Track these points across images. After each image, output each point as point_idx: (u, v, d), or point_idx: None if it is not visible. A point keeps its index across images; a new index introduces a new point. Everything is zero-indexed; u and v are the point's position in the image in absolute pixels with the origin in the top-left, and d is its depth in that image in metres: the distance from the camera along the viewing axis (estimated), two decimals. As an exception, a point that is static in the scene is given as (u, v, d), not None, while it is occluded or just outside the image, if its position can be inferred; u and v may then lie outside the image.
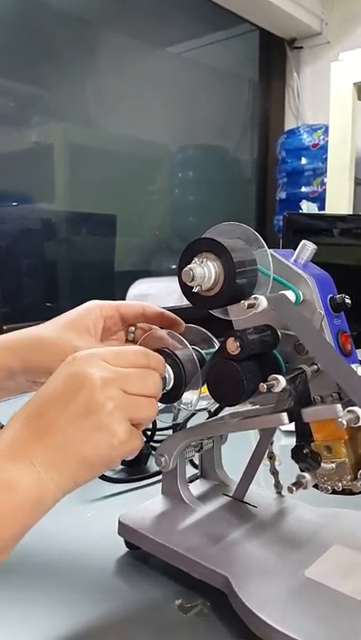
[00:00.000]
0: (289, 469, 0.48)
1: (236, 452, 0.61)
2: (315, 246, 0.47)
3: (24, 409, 0.38)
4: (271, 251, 0.46)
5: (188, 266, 0.43)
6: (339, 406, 0.41)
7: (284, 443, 0.79)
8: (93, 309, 0.51)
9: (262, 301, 0.42)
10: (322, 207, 1.91)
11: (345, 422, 0.38)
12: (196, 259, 0.44)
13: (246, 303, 0.42)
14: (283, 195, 2.13)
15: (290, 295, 0.44)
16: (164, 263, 2.09)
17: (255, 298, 0.42)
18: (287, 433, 0.81)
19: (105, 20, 1.96)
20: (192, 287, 0.43)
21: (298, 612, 0.41)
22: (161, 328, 0.53)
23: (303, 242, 0.48)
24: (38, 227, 1.80)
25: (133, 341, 0.54)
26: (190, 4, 2.08)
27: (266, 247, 0.45)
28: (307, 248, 0.47)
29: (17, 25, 1.67)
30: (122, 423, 0.38)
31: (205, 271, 0.42)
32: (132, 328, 0.54)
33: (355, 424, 0.38)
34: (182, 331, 0.53)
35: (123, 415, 0.38)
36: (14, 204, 1.72)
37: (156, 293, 1.84)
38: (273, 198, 2.29)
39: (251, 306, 0.42)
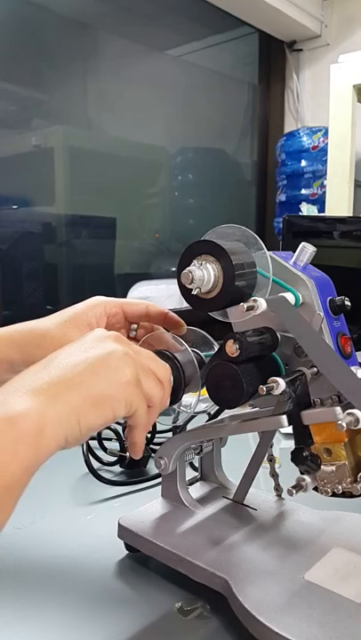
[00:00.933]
0: (289, 472, 0.47)
1: (235, 454, 0.61)
2: (314, 248, 0.47)
3: (40, 362, 0.38)
4: (270, 253, 0.46)
5: (188, 268, 0.43)
6: (338, 409, 0.41)
7: (284, 445, 0.78)
8: (97, 306, 0.51)
9: (261, 303, 0.42)
10: (322, 209, 1.91)
11: (345, 425, 0.38)
12: (195, 261, 0.44)
13: (245, 305, 0.42)
14: (282, 197, 2.13)
15: (289, 297, 0.44)
16: (163, 266, 2.09)
17: (254, 300, 0.42)
18: (287, 435, 0.81)
19: (105, 24, 1.97)
20: (191, 289, 0.43)
21: (297, 615, 0.41)
22: (164, 329, 0.53)
23: (303, 244, 0.48)
24: (38, 230, 1.80)
25: (135, 339, 0.53)
26: (190, 7, 2.09)
27: (265, 249, 0.45)
28: (306, 250, 0.47)
29: (17, 29, 1.67)
30: (130, 367, 0.39)
31: (204, 273, 0.43)
32: (135, 326, 0.54)
33: (354, 427, 0.38)
34: (184, 333, 0.53)
35: (132, 362, 0.39)
36: (14, 207, 1.73)
37: (156, 296, 1.84)
38: (273, 201, 2.29)
39: (250, 308, 0.42)
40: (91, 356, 0.38)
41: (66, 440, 0.34)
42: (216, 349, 0.47)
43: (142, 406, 0.39)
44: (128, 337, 0.54)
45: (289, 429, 0.45)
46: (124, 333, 0.54)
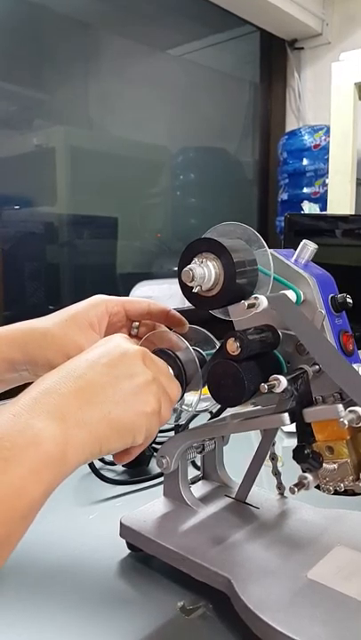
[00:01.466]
0: (291, 471, 0.47)
1: (238, 453, 0.61)
2: (315, 246, 0.47)
3: (61, 370, 0.37)
4: (271, 250, 0.46)
5: (188, 266, 0.43)
6: (340, 406, 0.40)
7: (286, 444, 0.78)
8: (99, 305, 0.50)
9: (263, 301, 0.42)
10: (324, 208, 1.90)
11: (346, 422, 0.38)
12: (195, 259, 0.43)
13: (247, 303, 0.41)
14: (284, 196, 2.12)
15: (290, 295, 0.44)
16: (165, 265, 2.09)
17: (256, 298, 0.42)
18: (289, 434, 0.81)
19: (106, 24, 1.97)
20: (192, 287, 0.43)
21: (300, 613, 0.40)
22: (165, 327, 0.53)
23: (304, 241, 0.47)
24: (40, 230, 1.80)
25: (137, 337, 0.53)
26: (191, 6, 2.09)
27: (266, 247, 0.45)
28: (307, 248, 0.47)
29: (18, 29, 1.67)
30: (155, 396, 0.39)
31: (205, 271, 0.42)
32: (136, 324, 0.54)
33: (356, 424, 0.38)
34: (186, 331, 0.53)
35: (157, 390, 0.40)
36: (16, 207, 1.73)
37: (158, 295, 1.84)
38: (275, 199, 2.29)
39: (251, 306, 0.41)
40: (119, 379, 0.38)
41: (85, 460, 0.35)
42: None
43: (156, 430, 0.40)
44: (129, 334, 0.54)
45: (292, 428, 0.44)
46: (125, 332, 0.53)
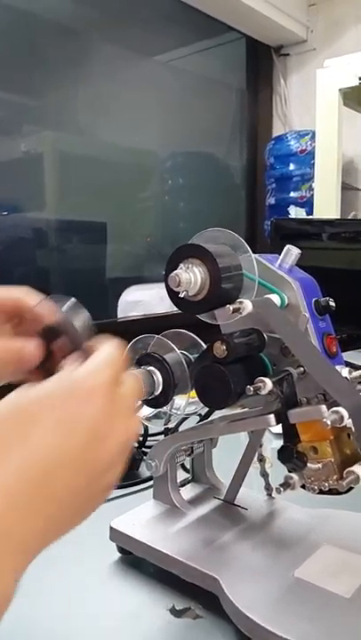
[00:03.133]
0: (280, 472, 0.48)
1: (227, 455, 0.61)
2: (299, 251, 0.48)
3: (20, 457, 0.27)
4: (256, 255, 0.47)
5: (175, 272, 0.43)
6: (324, 407, 0.41)
7: (275, 445, 0.79)
8: None
9: (247, 305, 0.42)
10: (310, 212, 1.92)
11: (329, 423, 0.39)
12: (182, 264, 0.44)
13: (232, 307, 0.42)
14: (272, 200, 2.14)
15: (275, 299, 0.45)
16: (155, 270, 2.09)
17: (240, 302, 0.43)
18: (278, 435, 0.81)
19: (94, 30, 1.98)
20: (179, 292, 0.44)
21: (288, 611, 0.41)
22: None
23: (287, 246, 0.48)
24: (29, 235, 1.80)
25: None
26: (178, 13, 2.10)
27: (250, 252, 0.46)
28: (291, 253, 0.48)
29: (7, 35, 1.68)
30: (123, 464, 0.33)
31: (191, 276, 0.43)
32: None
33: (339, 424, 0.39)
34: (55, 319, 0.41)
35: (124, 461, 0.33)
36: (5, 213, 1.73)
37: (148, 300, 1.85)
38: (263, 204, 2.31)
39: (236, 310, 0.42)
40: (93, 487, 0.31)
41: None
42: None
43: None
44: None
45: (280, 429, 0.45)
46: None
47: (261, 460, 0.57)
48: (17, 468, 0.27)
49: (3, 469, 0.27)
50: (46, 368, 0.37)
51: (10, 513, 0.27)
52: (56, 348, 0.38)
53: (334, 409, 0.39)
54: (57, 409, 0.29)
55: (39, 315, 0.40)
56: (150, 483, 0.66)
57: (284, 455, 0.43)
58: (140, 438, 0.78)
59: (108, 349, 0.34)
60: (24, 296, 0.41)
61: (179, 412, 0.53)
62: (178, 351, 0.50)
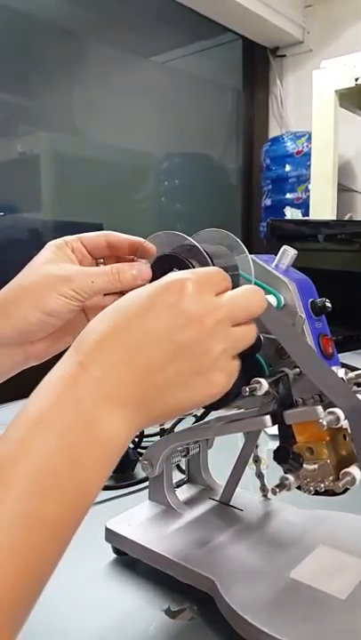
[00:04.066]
0: (276, 473, 0.48)
1: (223, 456, 0.61)
2: (295, 251, 0.48)
3: (114, 329, 0.33)
4: (252, 256, 0.47)
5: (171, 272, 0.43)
6: (320, 408, 0.41)
7: (270, 446, 0.79)
8: (60, 245, 0.46)
9: (243, 306, 0.42)
10: (306, 213, 1.93)
11: (326, 423, 0.39)
12: (175, 268, 0.44)
13: (228, 308, 0.42)
14: (268, 201, 2.15)
15: (271, 299, 0.45)
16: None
17: (236, 303, 0.42)
18: (273, 437, 0.81)
19: (90, 31, 1.98)
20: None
21: (284, 613, 0.41)
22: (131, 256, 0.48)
23: (284, 247, 0.48)
24: (26, 236, 1.80)
25: None
26: (174, 14, 2.11)
27: (247, 253, 0.46)
28: (287, 253, 0.48)
29: (2, 35, 1.67)
30: (224, 370, 0.35)
31: (187, 277, 0.43)
32: (101, 260, 0.48)
33: (335, 425, 0.39)
34: (153, 255, 0.47)
35: (227, 358, 0.35)
36: (1, 214, 1.72)
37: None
38: (259, 205, 2.31)
39: (232, 310, 0.42)
40: (181, 356, 0.33)
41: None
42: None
43: (231, 381, 0.37)
44: None
45: (275, 430, 0.45)
46: None
47: (257, 461, 0.57)
48: (112, 343, 0.33)
49: (100, 347, 0.32)
50: None
51: (105, 377, 0.32)
52: None
53: (330, 410, 0.39)
54: (148, 297, 0.34)
55: (146, 247, 0.47)
56: (146, 484, 0.66)
57: (280, 456, 0.43)
58: (136, 439, 0.78)
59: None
60: (111, 233, 0.47)
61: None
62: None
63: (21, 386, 0.50)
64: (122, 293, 0.47)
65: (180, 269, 0.42)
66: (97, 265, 0.48)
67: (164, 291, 0.34)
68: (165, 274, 0.39)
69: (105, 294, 0.47)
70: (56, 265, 0.44)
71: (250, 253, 0.46)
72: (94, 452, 0.31)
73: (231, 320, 0.35)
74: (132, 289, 0.41)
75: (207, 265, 0.42)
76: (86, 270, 0.44)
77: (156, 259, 0.45)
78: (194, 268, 0.42)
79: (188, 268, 0.42)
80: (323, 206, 1.74)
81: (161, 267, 0.44)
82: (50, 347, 0.47)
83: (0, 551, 0.27)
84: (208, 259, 0.42)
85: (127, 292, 0.46)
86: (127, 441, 0.33)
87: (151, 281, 0.43)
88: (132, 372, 0.32)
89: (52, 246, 0.47)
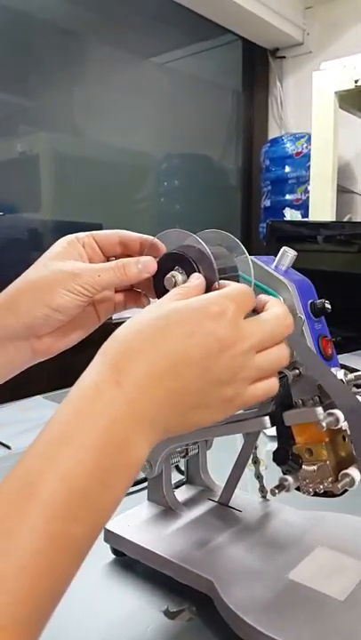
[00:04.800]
0: (275, 474, 0.48)
1: (222, 457, 0.61)
2: (295, 252, 0.48)
3: (153, 351, 0.33)
4: (252, 257, 0.47)
5: (171, 273, 0.43)
6: (319, 409, 0.41)
7: (269, 448, 0.79)
8: (72, 240, 0.47)
9: (243, 307, 0.42)
10: (306, 214, 1.93)
11: (325, 425, 0.39)
12: (178, 266, 0.44)
13: (228, 309, 0.42)
14: (267, 202, 2.15)
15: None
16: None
17: (236, 303, 0.42)
18: (272, 438, 0.81)
19: (90, 32, 1.98)
20: (174, 294, 0.43)
21: (282, 614, 0.41)
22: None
23: (283, 248, 0.48)
24: (25, 236, 1.80)
25: None
26: (174, 15, 2.11)
27: (247, 254, 0.46)
28: (287, 254, 0.48)
29: (2, 36, 1.67)
30: (246, 392, 0.36)
31: (187, 278, 0.43)
32: (113, 258, 0.48)
33: (335, 426, 0.39)
34: (161, 255, 0.47)
35: (251, 381, 0.36)
36: (1, 214, 1.72)
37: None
38: (258, 206, 2.31)
39: (232, 311, 0.42)
40: (212, 382, 0.34)
41: None
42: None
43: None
44: None
45: (274, 432, 0.45)
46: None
47: (256, 462, 0.57)
48: (147, 363, 0.33)
49: (135, 365, 0.32)
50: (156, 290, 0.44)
51: (139, 397, 0.32)
52: (166, 279, 0.43)
53: (330, 411, 0.39)
54: (187, 323, 0.34)
55: (155, 245, 0.47)
56: (145, 484, 0.65)
57: (279, 457, 0.43)
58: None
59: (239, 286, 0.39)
60: (123, 231, 0.48)
61: None
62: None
63: (21, 386, 0.49)
64: (131, 288, 0.48)
65: (183, 269, 0.43)
66: (107, 259, 0.48)
67: (206, 317, 0.34)
68: (170, 271, 0.43)
69: (116, 291, 0.48)
70: (64, 261, 0.45)
71: (249, 254, 0.46)
72: (123, 474, 0.31)
73: (258, 347, 0.36)
74: (138, 282, 0.45)
75: (211, 266, 0.42)
76: (93, 266, 0.44)
77: (163, 255, 0.46)
78: (198, 268, 0.42)
79: (192, 268, 0.43)
80: (322, 207, 1.74)
81: (166, 263, 0.44)
82: (57, 341, 0.46)
83: (23, 573, 0.27)
84: (213, 261, 0.43)
85: (136, 286, 0.48)
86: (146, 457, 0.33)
87: (155, 276, 0.44)
88: (165, 394, 0.33)
89: (62, 242, 0.47)
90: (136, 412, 0.32)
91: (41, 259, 0.46)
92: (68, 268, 0.43)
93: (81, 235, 0.48)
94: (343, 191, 2.05)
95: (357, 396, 0.41)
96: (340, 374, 0.44)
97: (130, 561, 0.52)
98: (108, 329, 0.40)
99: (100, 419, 0.31)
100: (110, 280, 0.44)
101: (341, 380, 0.43)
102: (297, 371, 0.45)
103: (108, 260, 0.48)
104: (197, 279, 0.41)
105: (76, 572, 0.30)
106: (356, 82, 1.65)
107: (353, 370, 0.46)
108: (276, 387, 0.38)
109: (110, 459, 0.30)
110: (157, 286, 0.44)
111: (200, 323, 0.34)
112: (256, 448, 0.56)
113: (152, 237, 0.49)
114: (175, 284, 0.42)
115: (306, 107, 1.86)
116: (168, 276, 0.43)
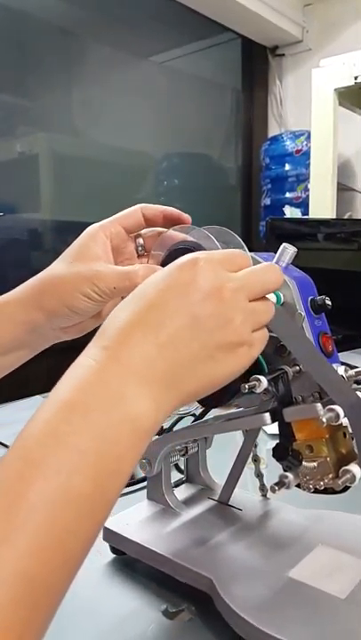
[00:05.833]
0: (275, 472, 0.48)
1: (222, 455, 0.61)
2: (295, 249, 0.48)
3: (134, 313, 0.34)
4: (252, 254, 0.46)
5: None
6: (319, 405, 0.41)
7: (269, 446, 0.79)
8: (96, 234, 0.48)
9: (242, 303, 0.42)
10: (306, 212, 1.92)
11: (325, 420, 0.38)
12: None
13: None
14: (267, 201, 2.14)
15: (271, 297, 0.45)
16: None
17: (235, 300, 0.42)
18: (273, 436, 0.81)
19: (88, 31, 1.98)
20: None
21: (283, 612, 0.41)
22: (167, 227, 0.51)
23: (283, 245, 0.48)
24: (25, 236, 1.80)
25: (145, 254, 0.51)
26: (173, 14, 2.10)
27: (246, 250, 0.46)
28: (287, 251, 0.47)
29: (0, 36, 1.67)
30: (248, 340, 0.35)
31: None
32: (140, 241, 0.50)
33: (335, 422, 0.39)
34: (189, 224, 0.50)
35: (250, 329, 0.35)
36: (0, 214, 1.72)
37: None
38: (258, 204, 2.31)
39: (231, 307, 0.42)
40: (203, 328, 0.33)
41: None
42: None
43: (256, 353, 0.38)
44: (137, 254, 0.51)
45: (275, 430, 0.45)
46: (132, 248, 0.51)
47: (256, 460, 0.57)
48: (126, 322, 0.33)
49: (118, 331, 0.33)
50: None
51: (125, 354, 0.32)
52: None
53: (330, 407, 0.39)
54: (163, 280, 0.35)
55: (183, 218, 0.50)
56: (144, 483, 0.65)
57: (279, 453, 0.43)
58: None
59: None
60: (145, 205, 0.51)
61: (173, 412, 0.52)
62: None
63: (21, 386, 0.50)
64: None
65: None
66: (137, 246, 0.51)
67: (178, 270, 0.35)
68: None
69: None
70: (85, 262, 0.46)
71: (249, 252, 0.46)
72: (123, 428, 0.30)
73: (247, 291, 0.36)
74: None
75: None
76: (109, 272, 0.46)
77: (172, 250, 0.46)
78: None
79: None
80: (322, 205, 1.74)
81: (175, 257, 0.44)
82: (83, 328, 0.50)
83: (40, 532, 0.26)
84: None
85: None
86: (158, 422, 0.33)
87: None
88: (155, 349, 0.32)
89: (85, 236, 0.49)
90: (130, 370, 0.32)
91: (66, 252, 0.48)
92: (86, 273, 0.45)
93: (106, 223, 0.49)
94: (343, 189, 2.04)
95: (358, 392, 0.41)
96: (340, 371, 0.43)
97: (129, 560, 0.52)
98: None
99: (92, 380, 0.31)
100: (126, 290, 0.45)
101: (342, 376, 0.43)
102: (297, 367, 0.44)
103: (135, 238, 0.51)
104: None
105: (92, 536, 0.30)
106: (355, 79, 1.64)
107: (353, 367, 0.45)
108: (267, 336, 0.38)
109: (107, 414, 0.30)
110: None
111: (174, 276, 0.35)
112: (256, 446, 0.56)
113: (175, 210, 0.50)
114: None
115: (305, 104, 1.86)
116: None
